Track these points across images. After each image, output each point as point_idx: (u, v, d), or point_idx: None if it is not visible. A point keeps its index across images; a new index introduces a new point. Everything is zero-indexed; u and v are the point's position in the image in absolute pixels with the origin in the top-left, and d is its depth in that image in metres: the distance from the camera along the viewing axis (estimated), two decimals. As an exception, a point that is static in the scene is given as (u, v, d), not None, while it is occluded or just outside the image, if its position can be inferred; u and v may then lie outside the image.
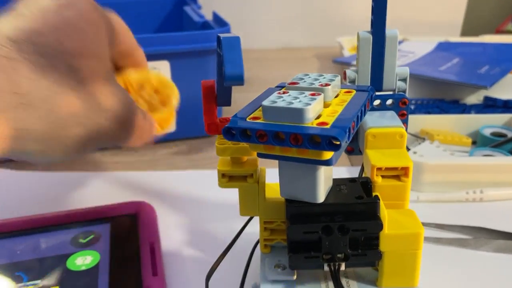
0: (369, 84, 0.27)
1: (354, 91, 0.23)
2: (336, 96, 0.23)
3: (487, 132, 0.47)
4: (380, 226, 0.22)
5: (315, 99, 0.20)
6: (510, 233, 0.34)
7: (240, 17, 0.82)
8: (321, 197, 0.22)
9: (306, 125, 0.19)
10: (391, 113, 0.27)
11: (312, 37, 0.89)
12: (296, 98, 0.20)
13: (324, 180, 0.22)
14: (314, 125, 0.19)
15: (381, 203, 0.23)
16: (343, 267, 0.23)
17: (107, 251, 0.32)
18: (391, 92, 0.28)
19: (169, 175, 0.45)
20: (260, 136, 0.19)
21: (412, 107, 0.57)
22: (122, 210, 0.36)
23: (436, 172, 0.40)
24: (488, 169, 0.40)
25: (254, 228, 0.28)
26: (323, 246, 0.22)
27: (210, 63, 0.49)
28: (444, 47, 0.71)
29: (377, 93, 0.28)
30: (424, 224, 0.36)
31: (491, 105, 0.57)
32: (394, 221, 0.23)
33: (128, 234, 0.34)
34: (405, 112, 0.28)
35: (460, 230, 0.35)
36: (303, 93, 0.21)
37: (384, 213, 0.23)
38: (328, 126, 0.19)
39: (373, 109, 0.28)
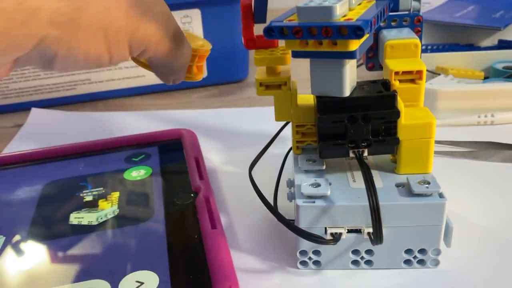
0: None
1: (374, 1, 0.27)
2: (359, 4, 0.26)
3: (499, 66, 0.50)
4: (397, 114, 0.26)
5: (340, 0, 0.24)
6: (517, 145, 0.38)
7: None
8: (346, 91, 0.26)
9: (334, 20, 0.23)
10: (407, 30, 0.31)
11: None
12: (324, 1, 0.24)
13: (349, 77, 0.26)
14: (341, 20, 0.23)
15: (399, 98, 0.27)
16: (366, 154, 0.27)
17: (157, 165, 0.37)
18: (406, 12, 0.32)
19: (204, 113, 0.49)
20: (296, 32, 0.23)
21: (428, 52, 0.60)
22: (167, 135, 0.40)
23: (449, 99, 0.43)
24: (499, 94, 0.43)
25: (284, 150, 0.32)
26: (349, 134, 0.26)
27: (237, 11, 0.52)
28: (460, -4, 0.73)
29: (394, 13, 0.31)
30: (438, 141, 0.40)
31: (505, 47, 0.59)
32: (410, 114, 0.27)
33: (174, 153, 0.38)
34: (419, 28, 0.31)
35: (471, 145, 0.39)
36: (331, -2, 0.24)
37: (401, 105, 0.27)
38: (353, 21, 0.23)
39: (391, 27, 0.31)
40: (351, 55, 0.24)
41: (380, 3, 0.26)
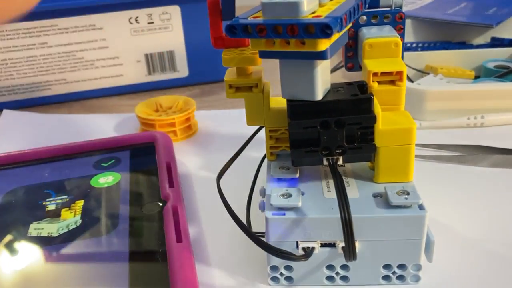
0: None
1: (349, -4, 0.25)
2: (331, 0, 0.24)
3: (490, 65, 0.48)
4: (373, 119, 0.24)
5: (310, -4, 0.22)
6: (506, 149, 0.36)
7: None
8: (319, 95, 0.24)
9: (301, 18, 0.21)
10: (388, 27, 0.29)
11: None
12: (292, -4, 0.22)
13: (322, 79, 0.24)
14: (309, 17, 0.21)
15: (376, 101, 0.25)
16: (341, 161, 0.25)
17: (127, 172, 0.35)
18: (388, 8, 0.30)
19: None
20: (260, 30, 0.21)
21: (419, 49, 0.58)
22: (140, 139, 0.38)
23: (438, 100, 0.41)
24: (489, 95, 0.41)
25: (261, 154, 0.30)
26: (322, 140, 0.24)
27: (219, 8, 0.50)
28: (453, -7, 0.71)
29: (374, 10, 0.29)
30: (424, 145, 0.38)
31: (497, 45, 0.57)
32: (389, 119, 0.25)
33: (146, 158, 0.36)
34: (401, 26, 0.29)
35: (459, 149, 0.37)
36: (299, -7, 0.22)
37: (378, 109, 0.25)
38: (322, 18, 0.21)
39: (371, 24, 0.29)
40: (321, 55, 0.22)
41: (355, -1, 0.24)
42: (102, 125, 0.45)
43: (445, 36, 0.61)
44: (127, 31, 0.49)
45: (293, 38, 0.21)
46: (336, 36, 0.23)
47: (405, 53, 0.50)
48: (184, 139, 0.42)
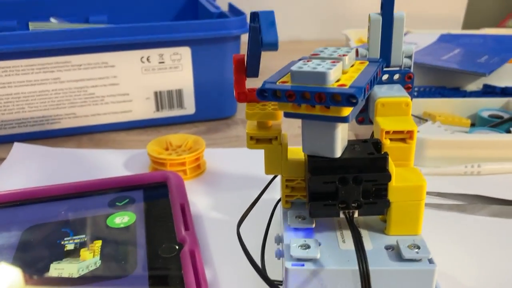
0: (378, 60, 0.31)
1: (367, 62, 0.27)
2: (352, 66, 0.26)
3: (485, 114, 0.50)
4: (388, 177, 0.26)
5: (335, 65, 0.23)
6: (504, 200, 0.38)
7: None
8: (338, 152, 0.26)
9: (328, 86, 0.23)
10: (398, 86, 0.31)
11: (320, 30, 0.93)
12: (319, 64, 0.24)
13: (341, 138, 0.26)
14: (335, 86, 0.23)
15: (390, 159, 0.26)
16: (356, 215, 0.27)
17: (142, 212, 0.36)
18: (398, 68, 0.32)
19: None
20: (289, 95, 0.23)
21: (415, 93, 0.61)
22: (153, 178, 0.40)
23: (437, 148, 0.43)
24: (485, 145, 0.43)
25: (272, 195, 0.31)
26: (340, 195, 0.26)
27: (227, 50, 0.53)
28: (446, 39, 0.75)
29: (386, 69, 0.32)
30: (426, 192, 0.40)
31: (489, 92, 0.60)
32: (401, 176, 0.27)
33: (159, 198, 0.37)
34: (410, 85, 0.32)
35: (458, 198, 0.39)
36: (325, 61, 0.24)
37: (392, 167, 0.26)
38: (347, 87, 0.23)
39: (382, 82, 0.32)
40: (343, 119, 0.24)
41: (373, 65, 0.26)
42: (112, 161, 0.46)
43: (440, 81, 0.64)
44: (138, 70, 0.51)
45: (319, 105, 0.23)
46: (358, 102, 0.24)
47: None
48: (193, 178, 0.44)
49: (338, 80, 0.24)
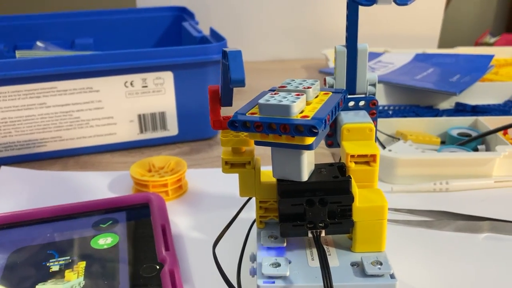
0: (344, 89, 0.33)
1: (331, 93, 0.29)
2: (316, 97, 0.28)
3: (454, 132, 0.53)
4: (351, 199, 0.28)
5: (299, 98, 0.26)
6: (469, 215, 0.40)
7: (234, 32, 0.89)
8: (305, 176, 0.28)
9: (292, 118, 0.25)
10: (363, 112, 0.33)
11: (300, 50, 0.96)
12: (285, 97, 0.26)
13: (307, 163, 0.28)
14: (299, 117, 0.25)
15: (353, 182, 0.29)
16: (323, 234, 0.29)
17: (124, 233, 0.37)
18: (363, 95, 0.34)
19: (173, 173, 0.51)
20: (257, 126, 0.25)
21: (390, 112, 0.64)
22: (135, 200, 0.41)
23: (407, 166, 0.46)
24: (452, 163, 0.46)
25: (249, 214, 0.33)
26: (307, 216, 0.28)
27: (209, 73, 0.55)
28: (421, 58, 0.78)
29: (351, 96, 0.34)
30: (396, 209, 0.42)
31: (461, 110, 0.63)
32: (364, 197, 0.29)
33: (142, 219, 0.39)
34: (374, 111, 0.34)
35: (427, 214, 0.41)
36: (290, 93, 0.26)
37: (356, 189, 0.28)
38: (309, 118, 0.25)
39: (348, 109, 0.34)
40: (308, 147, 0.26)
41: (335, 96, 0.28)
42: (97, 183, 0.48)
43: (414, 100, 0.66)
44: (122, 94, 0.53)
45: (285, 135, 0.25)
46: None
47: (378, 119, 0.55)
48: (175, 198, 0.45)
49: (301, 112, 0.26)
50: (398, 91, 0.66)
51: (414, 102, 0.66)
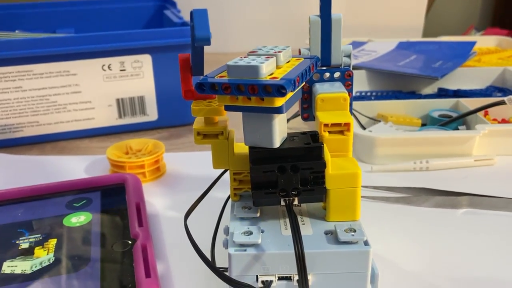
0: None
1: (302, 59, 0.29)
2: (287, 62, 0.28)
3: (435, 114, 0.53)
4: (323, 165, 0.27)
5: (268, 60, 0.25)
6: (447, 191, 0.40)
7: (216, 23, 0.88)
8: (276, 143, 0.27)
9: (261, 79, 0.24)
10: (338, 83, 0.33)
11: (284, 40, 0.95)
12: (253, 59, 0.25)
13: (279, 129, 0.27)
14: (268, 79, 0.24)
15: (326, 149, 0.28)
16: (296, 202, 0.28)
17: (98, 211, 0.37)
18: (338, 66, 0.34)
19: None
20: (225, 88, 0.25)
21: (373, 98, 0.63)
22: (111, 180, 0.40)
23: (387, 146, 0.45)
24: (432, 142, 0.45)
25: (226, 194, 0.33)
26: (279, 183, 0.27)
27: (188, 57, 0.54)
28: (404, 46, 0.78)
29: (326, 67, 0.33)
30: (375, 187, 0.42)
31: (443, 95, 0.63)
32: (338, 165, 0.29)
33: (116, 198, 0.38)
34: (350, 82, 0.33)
35: (405, 191, 0.41)
36: (260, 56, 0.26)
37: (328, 157, 0.28)
38: (278, 79, 0.24)
39: (324, 80, 0.33)
40: (277, 110, 0.25)
41: (307, 61, 0.28)
42: (74, 167, 0.47)
43: (397, 86, 0.66)
44: (100, 77, 0.52)
45: (253, 96, 0.24)
46: (290, 94, 0.26)
47: (359, 102, 0.54)
48: (153, 180, 0.45)
49: (271, 74, 0.25)
50: (380, 77, 0.66)
51: (397, 88, 0.66)
